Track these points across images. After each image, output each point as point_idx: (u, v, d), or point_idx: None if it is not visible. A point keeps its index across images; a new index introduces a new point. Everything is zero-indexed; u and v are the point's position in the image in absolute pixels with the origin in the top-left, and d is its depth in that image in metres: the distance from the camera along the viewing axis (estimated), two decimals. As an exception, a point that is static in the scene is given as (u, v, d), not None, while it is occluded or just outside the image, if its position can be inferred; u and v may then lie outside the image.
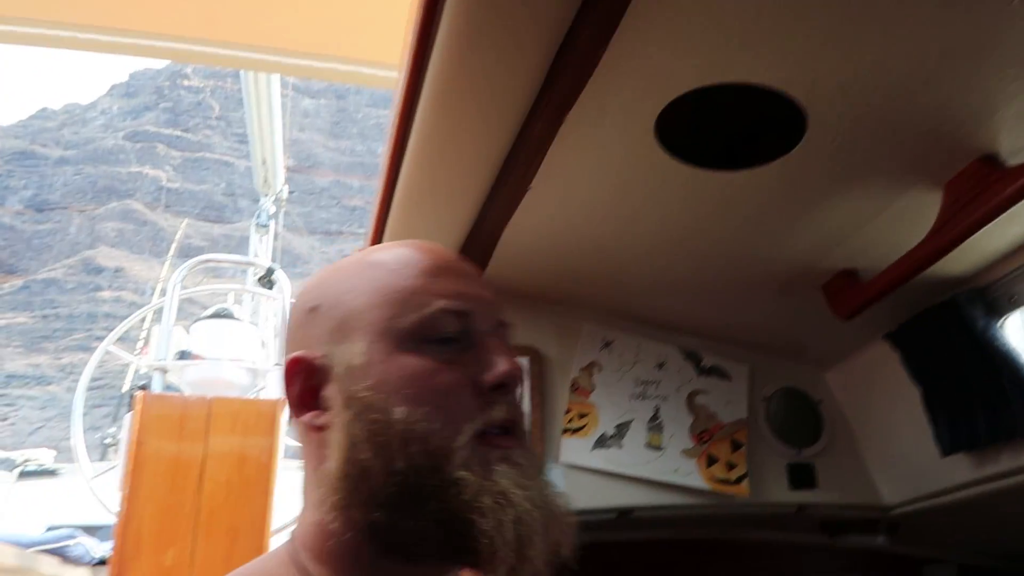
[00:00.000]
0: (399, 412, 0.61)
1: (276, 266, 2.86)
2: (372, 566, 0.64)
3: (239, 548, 2.29)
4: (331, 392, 0.65)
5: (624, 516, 1.37)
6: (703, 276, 1.30)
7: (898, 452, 1.42)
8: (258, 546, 2.32)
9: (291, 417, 0.68)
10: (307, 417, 0.66)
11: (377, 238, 1.24)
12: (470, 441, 0.61)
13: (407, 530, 0.61)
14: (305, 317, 0.68)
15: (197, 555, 2.30)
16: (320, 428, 0.65)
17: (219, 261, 3.20)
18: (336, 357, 0.65)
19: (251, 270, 3.73)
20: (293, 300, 0.74)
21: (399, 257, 0.68)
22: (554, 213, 1.16)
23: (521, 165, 0.99)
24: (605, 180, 1.06)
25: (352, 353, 0.64)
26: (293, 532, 0.69)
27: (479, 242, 1.26)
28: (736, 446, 1.42)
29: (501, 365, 0.64)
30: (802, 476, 1.44)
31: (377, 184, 1.17)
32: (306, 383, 0.66)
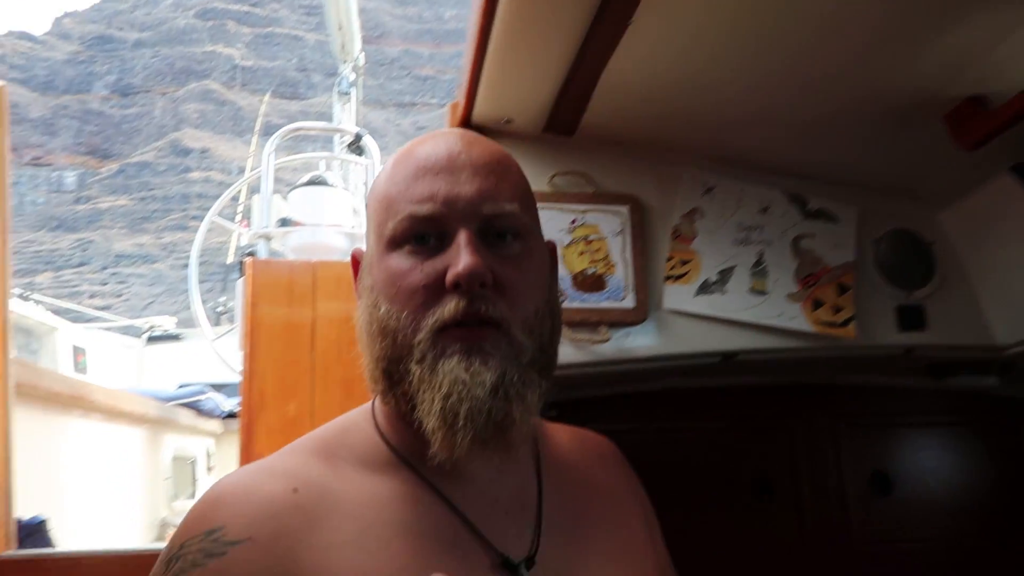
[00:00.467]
0: (382, 308, 0.71)
1: (364, 131, 2.87)
2: (400, 409, 0.74)
3: (354, 397, 2.45)
4: (361, 284, 0.77)
5: (728, 360, 1.39)
6: (812, 112, 1.23)
7: (1016, 291, 1.37)
8: (369, 396, 2.49)
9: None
10: (359, 306, 0.77)
11: (473, 79, 1.22)
12: (431, 336, 0.69)
13: (393, 396, 0.72)
14: (364, 209, 0.84)
15: (316, 405, 2.48)
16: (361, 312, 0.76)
17: (308, 129, 3.24)
18: (365, 254, 0.78)
19: (337, 139, 3.78)
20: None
21: (398, 162, 0.76)
22: (655, 51, 1.11)
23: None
24: (710, 10, 1.00)
25: (369, 252, 0.76)
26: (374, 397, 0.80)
27: (575, 89, 1.22)
28: (843, 289, 1.39)
29: (458, 264, 0.69)
30: (911, 318, 1.41)
31: (471, 21, 1.14)
32: (358, 275, 0.79)
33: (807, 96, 1.19)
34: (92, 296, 36.34)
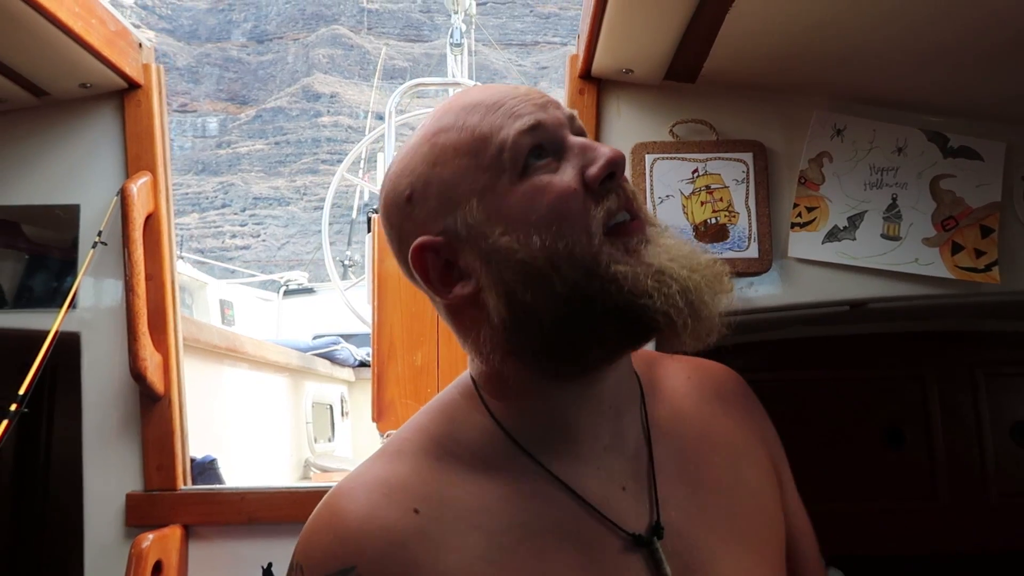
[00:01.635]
0: (536, 241, 0.63)
1: (479, 84, 2.91)
2: (540, 391, 0.69)
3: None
4: (467, 259, 0.66)
5: (857, 308, 1.36)
6: (957, 43, 1.15)
7: None
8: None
9: (438, 299, 0.69)
10: (456, 291, 0.67)
11: (594, 30, 1.22)
12: (605, 238, 0.63)
13: (584, 342, 0.65)
14: (404, 208, 0.69)
15: (442, 355, 2.60)
16: (472, 294, 0.66)
17: (426, 84, 3.31)
18: (456, 226, 0.66)
19: (452, 92, 3.83)
20: (380, 198, 0.73)
21: (452, 117, 0.68)
22: (781, -8, 1.07)
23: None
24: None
25: (469, 214, 0.65)
26: (470, 375, 0.73)
27: (698, 34, 1.20)
28: (986, 232, 1.32)
29: (597, 156, 0.64)
30: (1065, 260, 1.32)
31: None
32: (439, 263, 0.67)
33: (951, 25, 1.11)
34: (233, 236, 39.01)
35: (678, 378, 0.80)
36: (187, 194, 40.79)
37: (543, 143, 0.65)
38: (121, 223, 1.44)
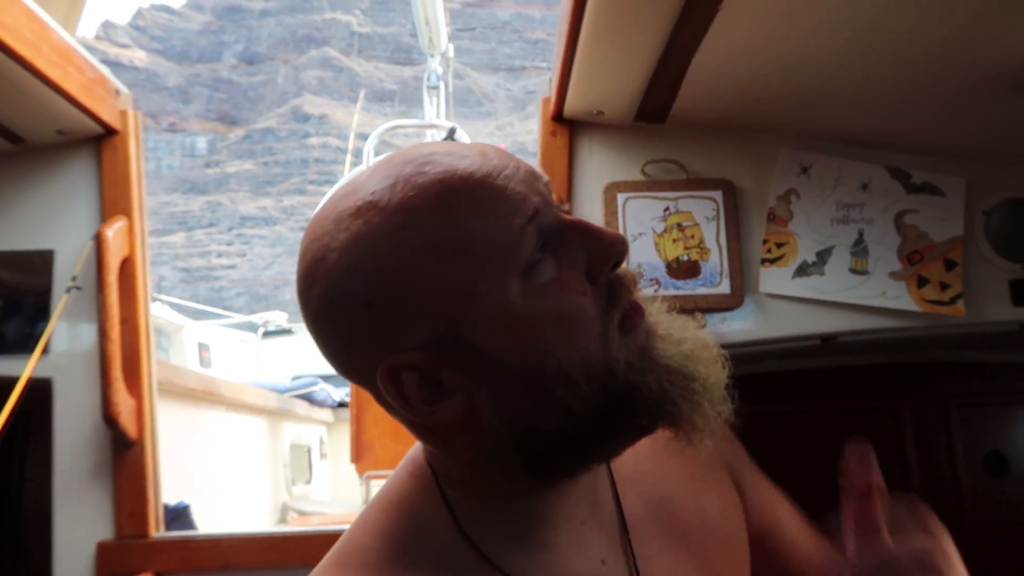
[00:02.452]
0: (547, 358, 0.54)
1: (456, 127, 2.95)
2: (524, 495, 0.61)
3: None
4: (453, 376, 0.55)
5: (828, 341, 1.38)
6: (917, 85, 1.20)
7: None
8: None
9: (418, 425, 0.59)
10: (440, 413, 0.56)
11: (564, 74, 1.24)
12: (619, 335, 0.56)
13: (595, 451, 0.58)
14: (359, 315, 0.54)
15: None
16: (461, 414, 0.56)
17: (405, 127, 3.34)
18: (437, 339, 0.54)
19: (429, 135, 3.87)
20: (311, 294, 0.57)
21: (424, 207, 0.53)
22: (748, 32, 1.10)
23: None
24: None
25: (458, 326, 0.54)
26: (426, 461, 0.64)
27: (667, 76, 1.23)
28: (950, 265, 1.35)
29: (606, 247, 0.56)
30: (1027, 292, 1.36)
31: (562, 16, 1.17)
32: (419, 383, 0.56)
33: (910, 68, 1.16)
34: (219, 256, 38.79)
35: None
36: (174, 213, 40.68)
37: (544, 228, 0.55)
38: (96, 268, 1.44)
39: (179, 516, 1.61)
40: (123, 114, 1.55)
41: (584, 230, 0.56)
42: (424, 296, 0.54)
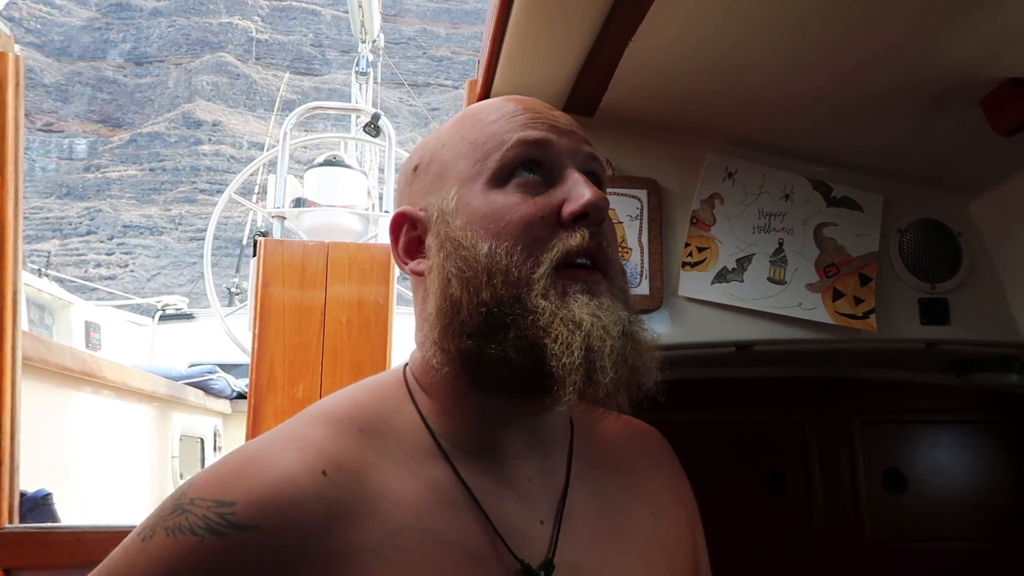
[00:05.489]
0: (484, 247, 0.64)
1: (381, 113, 2.85)
2: (467, 398, 0.68)
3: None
4: (430, 240, 0.69)
5: (743, 350, 1.36)
6: (843, 97, 1.19)
7: (1045, 286, 1.33)
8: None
9: (399, 267, 0.73)
10: (411, 264, 0.71)
11: (493, 55, 1.19)
12: (550, 271, 0.64)
13: (492, 358, 0.64)
14: (410, 176, 0.74)
15: (325, 388, 2.47)
16: (422, 273, 0.70)
17: (326, 108, 3.20)
18: (433, 207, 0.70)
19: (354, 119, 3.75)
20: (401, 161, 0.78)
21: (486, 107, 0.72)
22: (681, 31, 1.07)
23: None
24: (741, -14, 0.97)
25: (445, 200, 0.68)
26: (406, 364, 0.75)
27: (597, 68, 1.19)
28: (865, 280, 1.36)
29: (583, 195, 0.65)
30: (934, 311, 1.37)
31: (490, 7, 1.11)
32: (409, 234, 0.72)
33: (838, 79, 1.15)
34: (98, 266, 36.64)
35: (610, 430, 0.82)
36: (47, 219, 38.15)
37: (541, 161, 0.67)
38: (-45, 224, 1.28)
39: (38, 506, 1.45)
40: (2, 56, 1.39)
41: (576, 179, 0.67)
42: (442, 169, 0.71)
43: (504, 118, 0.69)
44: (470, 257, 0.65)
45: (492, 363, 0.64)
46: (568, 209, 0.65)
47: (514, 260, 0.63)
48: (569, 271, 0.65)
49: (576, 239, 0.64)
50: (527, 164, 0.67)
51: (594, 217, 0.65)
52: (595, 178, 0.70)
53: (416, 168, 0.74)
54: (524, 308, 0.63)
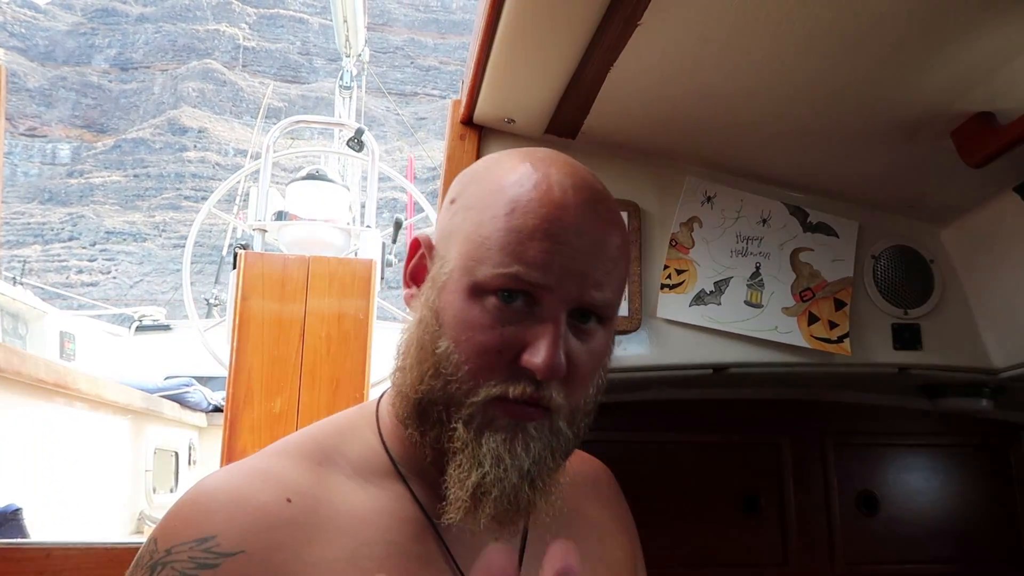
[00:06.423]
0: (442, 345, 0.66)
1: (364, 128, 2.85)
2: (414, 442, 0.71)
3: (340, 397, 2.44)
4: (426, 285, 0.71)
5: (720, 372, 1.37)
6: (818, 125, 1.22)
7: (1015, 313, 1.35)
8: (358, 395, 2.46)
9: (404, 285, 0.75)
10: (408, 289, 0.74)
11: (477, 76, 1.20)
12: (484, 402, 0.65)
13: (419, 432, 0.69)
14: (448, 205, 0.74)
15: (303, 403, 2.46)
16: (412, 301, 0.73)
17: (309, 122, 3.19)
18: (438, 259, 0.70)
19: (337, 132, 3.75)
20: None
21: (519, 196, 0.67)
22: (663, 56, 1.09)
23: (632, -1, 0.93)
24: (721, 17, 0.99)
25: (445, 266, 0.69)
26: (381, 396, 0.78)
27: (580, 91, 1.21)
28: (839, 305, 1.38)
29: (540, 358, 0.63)
30: (907, 337, 1.40)
31: (479, 15, 1.12)
32: (419, 262, 0.73)
33: (814, 109, 1.18)
34: (80, 272, 36.12)
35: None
36: (29, 224, 37.60)
37: (528, 293, 0.65)
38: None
39: (7, 521, 1.42)
40: (-17, 66, 1.38)
41: (548, 334, 0.64)
42: (466, 221, 0.69)
43: (522, 229, 0.65)
44: (429, 343, 0.67)
45: (420, 434, 0.69)
46: (524, 358, 0.64)
47: (458, 375, 0.65)
48: (507, 405, 0.65)
49: (519, 388, 0.64)
50: (511, 293, 0.65)
51: (542, 379, 0.65)
52: (594, 312, 0.68)
53: (453, 202, 0.73)
54: (448, 418, 0.66)
